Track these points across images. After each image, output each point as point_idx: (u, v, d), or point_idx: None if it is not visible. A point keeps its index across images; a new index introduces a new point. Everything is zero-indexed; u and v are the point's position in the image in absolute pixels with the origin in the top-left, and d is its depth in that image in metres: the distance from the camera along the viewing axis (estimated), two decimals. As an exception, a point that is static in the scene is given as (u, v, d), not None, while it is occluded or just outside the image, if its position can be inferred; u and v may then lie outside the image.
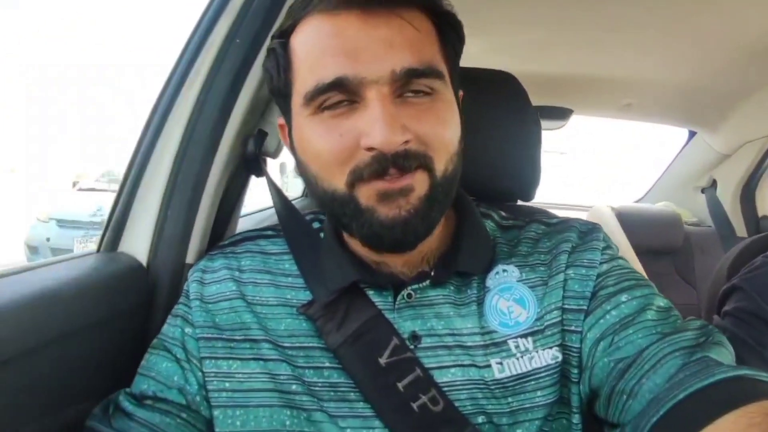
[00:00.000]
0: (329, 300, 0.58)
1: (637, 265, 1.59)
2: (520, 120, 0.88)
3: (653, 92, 1.81)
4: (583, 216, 2.09)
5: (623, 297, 0.57)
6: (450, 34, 0.58)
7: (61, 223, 5.23)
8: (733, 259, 0.98)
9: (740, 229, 2.01)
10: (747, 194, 1.99)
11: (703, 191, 2.15)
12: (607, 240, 0.63)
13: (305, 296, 0.61)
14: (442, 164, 0.54)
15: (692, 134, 2.15)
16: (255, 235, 0.68)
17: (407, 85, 0.52)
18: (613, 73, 1.70)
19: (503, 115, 0.86)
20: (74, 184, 6.36)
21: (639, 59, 1.57)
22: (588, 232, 0.64)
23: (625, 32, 1.38)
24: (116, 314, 0.63)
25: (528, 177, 0.88)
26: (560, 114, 2.02)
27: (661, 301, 0.58)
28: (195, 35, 0.70)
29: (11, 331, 0.50)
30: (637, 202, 2.49)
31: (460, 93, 0.63)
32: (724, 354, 0.52)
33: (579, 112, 2.05)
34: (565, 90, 1.87)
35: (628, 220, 1.96)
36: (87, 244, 5.08)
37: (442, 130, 0.54)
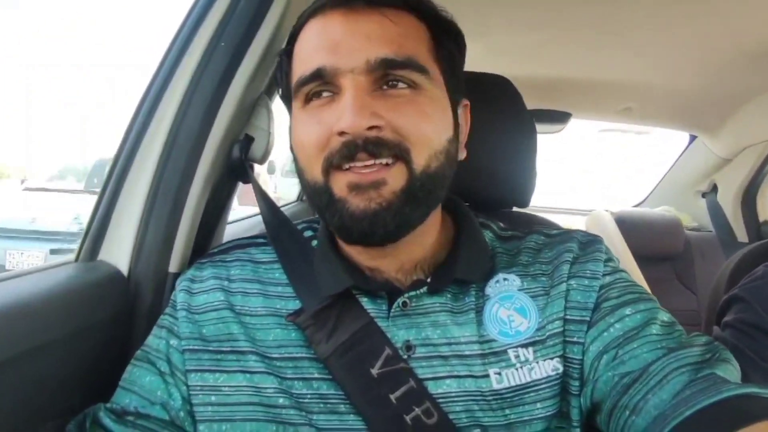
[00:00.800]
0: (319, 308, 0.57)
1: (637, 271, 1.57)
2: (515, 125, 0.86)
3: (653, 96, 1.80)
4: (581, 220, 2.08)
5: (627, 310, 0.56)
6: (444, 38, 0.59)
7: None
8: (733, 267, 0.96)
9: (741, 234, 1.99)
10: (748, 199, 1.97)
11: (703, 196, 2.13)
12: (609, 252, 0.62)
13: (295, 306, 0.59)
14: (422, 159, 0.54)
15: (693, 138, 2.13)
16: (246, 243, 0.66)
17: (386, 77, 0.53)
18: (612, 76, 1.69)
19: (498, 119, 0.85)
20: (22, 182, 5.47)
21: (639, 62, 1.55)
22: (589, 243, 0.62)
23: (625, 35, 1.36)
24: (94, 325, 0.61)
25: (524, 183, 0.86)
26: (558, 118, 2.01)
27: (664, 316, 0.56)
28: (179, 38, 0.68)
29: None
30: (636, 206, 2.47)
31: (465, 102, 0.64)
32: (731, 371, 0.51)
33: (578, 116, 2.03)
34: (564, 93, 1.85)
35: (628, 225, 1.94)
36: (24, 258, 3.92)
37: (422, 124, 0.54)
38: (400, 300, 0.57)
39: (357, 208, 0.53)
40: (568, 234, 0.65)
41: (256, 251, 0.64)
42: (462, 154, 0.63)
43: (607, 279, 0.59)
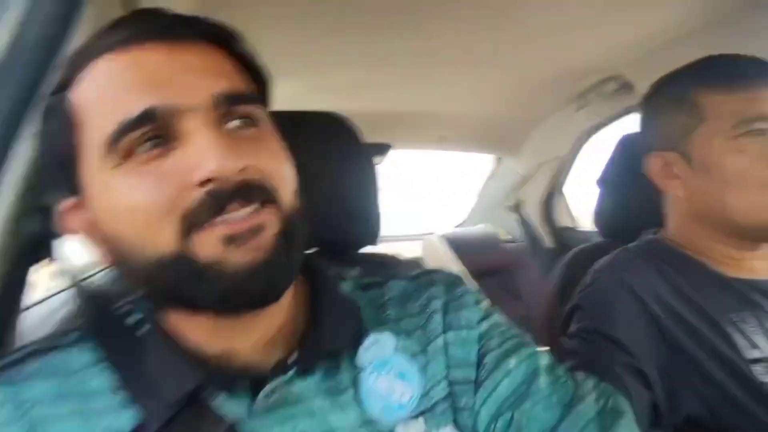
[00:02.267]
0: (164, 422, 0.44)
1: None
2: (351, 160, 0.84)
3: (462, 124, 1.95)
4: (416, 245, 2.15)
5: (511, 362, 0.54)
6: (255, 74, 0.52)
7: None
8: (559, 278, 1.04)
9: (548, 240, 2.22)
10: (547, 209, 2.20)
11: (513, 210, 2.34)
12: (475, 293, 0.60)
13: (127, 419, 0.45)
14: (287, 197, 0.47)
15: (498, 160, 2.35)
16: (47, 347, 0.49)
17: (230, 114, 0.45)
18: (426, 108, 1.79)
19: (334, 157, 0.82)
20: None
21: (447, 94, 1.67)
22: (452, 284, 0.60)
23: (433, 69, 1.46)
24: None
25: (370, 219, 0.84)
26: (378, 150, 2.06)
27: (545, 359, 0.56)
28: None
29: None
30: (458, 226, 2.64)
31: None
32: (628, 420, 0.52)
33: (398, 147, 2.11)
34: (383, 126, 1.91)
35: (457, 246, 2.05)
36: None
37: (279, 162, 0.48)
38: (266, 389, 0.47)
39: (241, 264, 0.42)
40: (428, 276, 0.61)
41: (63, 356, 0.48)
42: None
43: (484, 326, 0.56)
